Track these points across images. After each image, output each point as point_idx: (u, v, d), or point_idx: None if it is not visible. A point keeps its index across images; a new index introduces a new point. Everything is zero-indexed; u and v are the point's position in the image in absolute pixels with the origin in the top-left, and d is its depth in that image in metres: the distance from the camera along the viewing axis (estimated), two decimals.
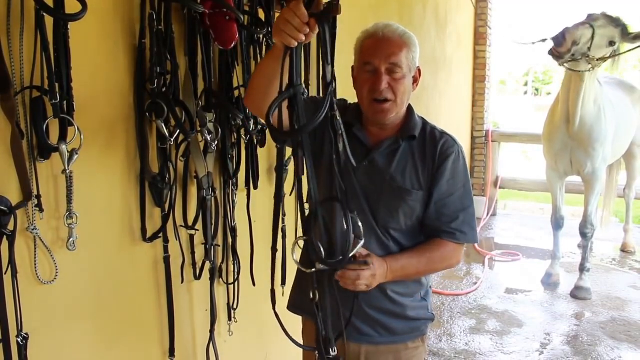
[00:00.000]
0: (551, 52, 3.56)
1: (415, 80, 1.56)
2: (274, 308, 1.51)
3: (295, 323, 1.76)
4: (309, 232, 1.34)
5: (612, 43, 3.60)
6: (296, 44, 1.21)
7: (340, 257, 1.33)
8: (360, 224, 1.33)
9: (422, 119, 1.61)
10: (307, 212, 1.35)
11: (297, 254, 1.47)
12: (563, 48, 3.48)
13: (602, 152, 3.96)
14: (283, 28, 1.19)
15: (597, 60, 3.60)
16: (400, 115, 1.56)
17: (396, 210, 1.52)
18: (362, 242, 1.33)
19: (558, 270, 4.42)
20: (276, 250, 1.51)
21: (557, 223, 4.37)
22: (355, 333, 1.57)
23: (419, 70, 1.57)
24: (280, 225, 2.24)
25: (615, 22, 3.62)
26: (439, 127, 1.61)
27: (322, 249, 1.31)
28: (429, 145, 1.55)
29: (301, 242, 1.37)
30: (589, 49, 3.52)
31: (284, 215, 2.25)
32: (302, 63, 1.35)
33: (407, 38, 1.51)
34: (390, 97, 1.48)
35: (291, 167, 1.98)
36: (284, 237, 2.26)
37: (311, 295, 1.35)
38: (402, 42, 1.49)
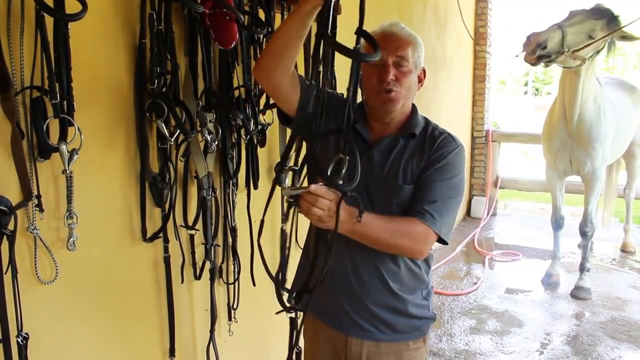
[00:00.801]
0: (524, 58, 3.55)
1: (420, 80, 1.58)
2: (258, 240, 1.47)
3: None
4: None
5: (590, 37, 3.53)
6: None
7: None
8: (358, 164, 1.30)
9: (425, 118, 1.62)
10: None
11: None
12: (528, 52, 3.45)
13: (601, 151, 3.95)
14: None
15: (579, 52, 3.51)
16: (405, 111, 1.57)
17: (389, 205, 1.53)
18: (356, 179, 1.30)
19: (558, 270, 4.42)
20: (277, 182, 1.44)
21: (557, 223, 4.37)
22: (357, 329, 1.57)
23: (424, 71, 1.58)
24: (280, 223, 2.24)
25: (598, 14, 3.54)
26: (442, 127, 1.61)
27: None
28: (427, 143, 1.55)
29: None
30: (563, 46, 3.48)
31: (283, 216, 2.25)
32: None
33: (413, 37, 1.54)
34: (396, 88, 1.50)
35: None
36: (284, 238, 2.26)
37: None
38: (408, 39, 1.52)
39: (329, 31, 1.25)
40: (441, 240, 1.50)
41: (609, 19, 3.56)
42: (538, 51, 3.42)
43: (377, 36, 1.51)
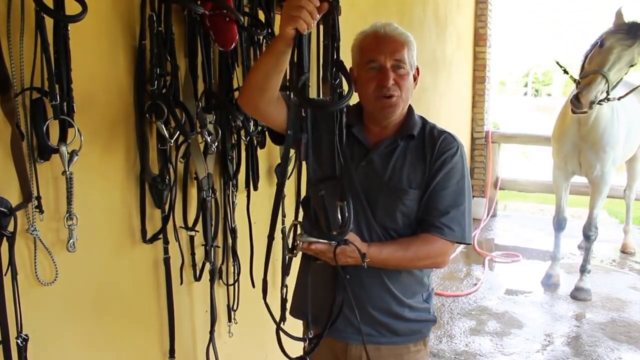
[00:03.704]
0: (578, 113, 3.55)
1: (415, 79, 1.57)
2: (264, 298, 1.48)
3: (296, 326, 1.76)
4: (307, 209, 1.36)
5: (631, 65, 3.53)
6: (307, 30, 1.24)
7: (335, 233, 1.35)
8: (351, 210, 1.35)
9: (422, 118, 1.61)
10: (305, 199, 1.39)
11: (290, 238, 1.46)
12: (583, 111, 3.48)
13: (612, 154, 3.93)
14: (297, 14, 1.21)
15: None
16: (402, 112, 1.57)
17: (393, 210, 1.52)
18: (351, 227, 1.36)
19: (558, 271, 4.41)
20: (272, 239, 1.46)
21: (560, 224, 4.35)
22: (357, 334, 1.57)
23: (418, 70, 1.57)
24: (280, 222, 2.24)
25: (633, 37, 3.48)
26: (439, 126, 1.60)
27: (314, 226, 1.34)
28: (427, 144, 1.54)
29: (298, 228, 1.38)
30: (608, 88, 3.47)
31: (283, 216, 2.25)
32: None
33: (406, 36, 1.53)
34: (397, 93, 1.49)
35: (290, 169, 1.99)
36: (283, 238, 2.25)
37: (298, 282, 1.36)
38: (403, 40, 1.51)
39: (304, 72, 1.27)
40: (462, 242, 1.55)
41: None
42: (592, 106, 3.46)
43: (370, 37, 1.51)
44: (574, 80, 3.66)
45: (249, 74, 1.44)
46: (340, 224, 1.34)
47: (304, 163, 1.45)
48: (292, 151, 1.52)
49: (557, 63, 3.93)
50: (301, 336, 1.57)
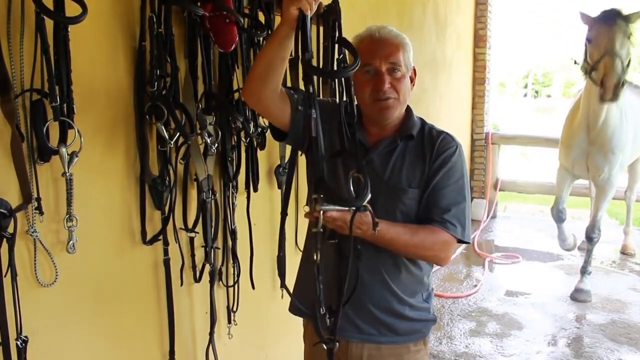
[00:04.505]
0: (608, 101, 3.52)
1: (412, 80, 1.57)
2: (281, 278, 1.44)
3: (296, 328, 1.76)
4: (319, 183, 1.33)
5: (630, 36, 3.50)
6: (310, 12, 1.26)
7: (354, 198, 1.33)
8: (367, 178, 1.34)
9: (421, 119, 1.62)
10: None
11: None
12: (612, 98, 3.44)
13: (620, 157, 3.91)
14: None
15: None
16: (400, 114, 1.57)
17: (393, 210, 1.52)
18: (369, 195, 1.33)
19: (570, 236, 4.42)
20: (286, 215, 1.46)
21: (559, 216, 4.29)
22: (358, 333, 1.57)
23: (414, 71, 1.58)
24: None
25: (613, 22, 3.49)
26: (438, 127, 1.61)
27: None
28: (427, 144, 1.55)
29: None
30: (625, 67, 3.45)
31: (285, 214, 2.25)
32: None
33: (401, 39, 1.53)
34: (393, 95, 1.50)
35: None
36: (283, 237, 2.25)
37: (314, 257, 1.33)
38: (398, 43, 1.51)
39: (308, 50, 1.27)
40: (462, 241, 1.54)
41: (627, 17, 3.52)
42: (618, 91, 3.42)
43: (366, 41, 1.52)
44: (590, 77, 3.63)
45: (253, 65, 1.46)
46: (359, 191, 1.33)
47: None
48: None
49: (575, 62, 3.89)
50: (303, 333, 1.56)
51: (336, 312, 1.41)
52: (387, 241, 1.45)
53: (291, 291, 1.54)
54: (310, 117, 1.30)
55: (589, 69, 3.60)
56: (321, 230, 1.32)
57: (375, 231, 1.35)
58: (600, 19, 3.55)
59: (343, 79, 1.40)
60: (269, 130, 2.15)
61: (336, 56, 1.38)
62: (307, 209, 1.31)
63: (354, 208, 1.31)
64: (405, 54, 1.51)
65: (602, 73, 3.42)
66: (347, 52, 1.55)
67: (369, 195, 1.32)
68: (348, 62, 1.42)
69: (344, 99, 1.41)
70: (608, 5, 3.64)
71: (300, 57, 1.30)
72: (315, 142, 1.32)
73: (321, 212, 1.29)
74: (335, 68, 1.39)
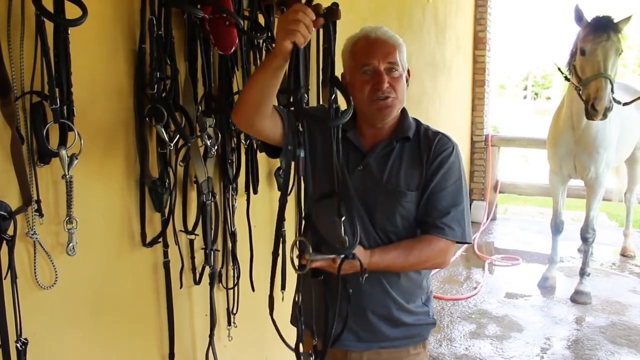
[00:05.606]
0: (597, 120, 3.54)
1: (407, 81, 1.58)
2: (271, 314, 1.49)
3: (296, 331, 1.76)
4: (308, 228, 1.36)
5: (620, 53, 3.55)
6: (304, 44, 1.25)
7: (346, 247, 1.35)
8: (357, 225, 1.37)
9: (416, 120, 1.62)
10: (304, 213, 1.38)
11: (295, 254, 1.46)
12: (602, 118, 3.47)
13: (606, 156, 3.95)
14: (294, 27, 1.21)
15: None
16: (397, 114, 1.57)
17: (392, 213, 1.52)
18: (357, 241, 1.37)
19: (555, 273, 4.42)
20: (277, 255, 1.47)
21: (557, 228, 4.37)
22: (357, 341, 1.57)
23: (409, 71, 1.59)
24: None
25: (606, 32, 3.50)
26: (434, 128, 1.61)
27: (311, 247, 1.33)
28: (423, 145, 1.55)
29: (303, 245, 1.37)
30: (613, 87, 3.49)
31: (284, 220, 2.24)
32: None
33: (396, 39, 1.54)
34: (392, 94, 1.50)
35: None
36: (283, 241, 2.25)
37: (295, 299, 1.36)
38: (394, 43, 1.52)
39: (301, 86, 1.28)
40: (462, 241, 1.56)
41: (616, 29, 3.53)
42: (607, 113, 3.46)
43: (362, 42, 1.52)
44: (576, 88, 3.66)
45: (243, 91, 1.42)
46: (349, 239, 1.34)
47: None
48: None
49: (559, 69, 3.93)
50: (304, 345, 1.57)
51: (322, 352, 1.44)
52: (385, 267, 1.48)
53: (290, 303, 1.55)
54: (299, 158, 1.30)
55: (577, 81, 3.62)
56: (302, 273, 1.35)
57: (362, 278, 1.38)
58: (593, 29, 3.54)
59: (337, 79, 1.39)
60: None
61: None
62: (294, 257, 1.34)
63: (343, 255, 1.33)
64: (401, 54, 1.52)
65: (593, 95, 3.45)
66: (343, 54, 1.56)
67: (357, 245, 1.35)
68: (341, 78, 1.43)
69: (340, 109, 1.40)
70: (604, 6, 3.64)
71: (292, 96, 1.29)
72: (305, 182, 1.33)
73: (309, 261, 1.32)
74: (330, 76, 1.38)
